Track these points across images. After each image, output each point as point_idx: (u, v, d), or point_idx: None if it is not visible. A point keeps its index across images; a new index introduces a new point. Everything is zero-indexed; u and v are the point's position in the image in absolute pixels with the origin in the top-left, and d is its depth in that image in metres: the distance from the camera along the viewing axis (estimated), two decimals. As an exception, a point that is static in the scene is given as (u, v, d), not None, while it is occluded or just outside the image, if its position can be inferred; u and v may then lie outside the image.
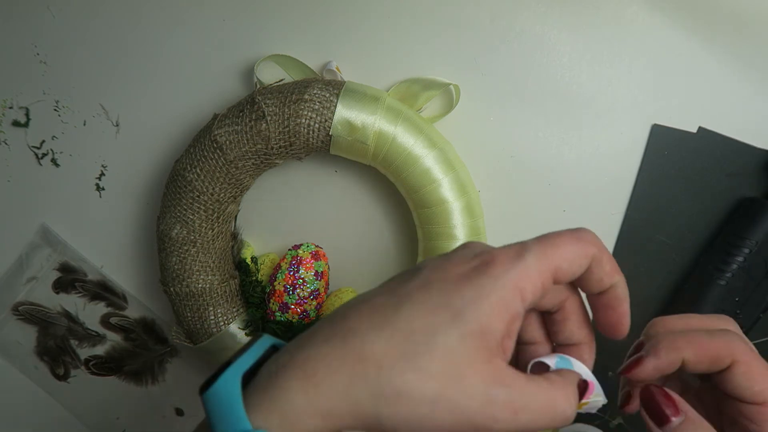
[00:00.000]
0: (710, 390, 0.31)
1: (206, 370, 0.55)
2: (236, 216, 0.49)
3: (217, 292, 0.48)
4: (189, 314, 0.48)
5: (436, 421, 0.24)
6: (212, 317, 0.47)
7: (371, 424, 0.24)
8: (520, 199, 0.49)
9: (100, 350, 0.55)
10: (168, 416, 0.56)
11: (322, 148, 0.44)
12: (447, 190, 0.45)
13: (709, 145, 0.47)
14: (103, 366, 0.55)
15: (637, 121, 0.48)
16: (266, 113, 0.43)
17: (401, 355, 0.24)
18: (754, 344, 0.49)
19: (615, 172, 0.48)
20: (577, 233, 0.27)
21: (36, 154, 0.52)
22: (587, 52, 0.47)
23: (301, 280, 0.47)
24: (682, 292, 0.48)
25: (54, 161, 0.52)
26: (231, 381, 0.25)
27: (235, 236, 0.50)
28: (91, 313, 0.55)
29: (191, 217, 0.45)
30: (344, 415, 0.24)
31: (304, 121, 0.43)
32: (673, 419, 0.28)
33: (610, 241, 0.49)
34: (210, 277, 0.47)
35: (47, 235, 0.53)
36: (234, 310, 0.48)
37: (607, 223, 0.49)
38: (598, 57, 0.47)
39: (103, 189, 0.53)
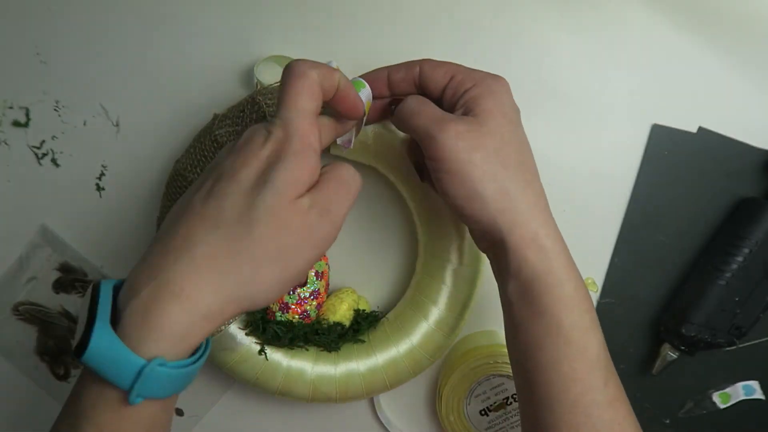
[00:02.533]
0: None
1: (206, 370, 0.55)
2: None
3: None
4: None
5: (286, 281, 0.31)
6: None
7: (246, 306, 0.30)
8: (520, 199, 0.49)
9: (100, 350, 0.55)
10: (168, 416, 0.56)
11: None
12: None
13: (709, 145, 0.47)
14: (103, 366, 0.55)
15: (637, 121, 0.48)
16: (267, 114, 0.43)
17: (238, 238, 0.29)
18: (755, 344, 0.49)
19: (615, 172, 0.48)
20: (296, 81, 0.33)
21: (36, 154, 0.52)
22: (587, 51, 0.47)
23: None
24: (682, 291, 0.48)
25: (54, 161, 0.52)
26: (104, 334, 0.28)
27: None
28: (91, 313, 0.55)
29: None
30: (222, 311, 0.30)
31: None
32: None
33: (610, 241, 0.49)
34: None
35: (47, 235, 0.53)
36: None
37: (607, 223, 0.49)
38: (598, 57, 0.47)
39: (103, 189, 0.53)
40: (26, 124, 0.52)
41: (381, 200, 0.50)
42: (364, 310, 0.51)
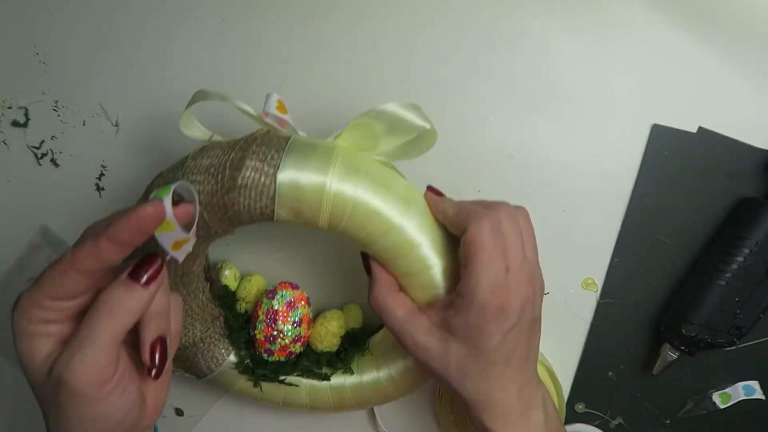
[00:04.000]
0: None
1: (206, 370, 0.54)
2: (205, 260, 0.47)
3: (203, 342, 0.47)
4: (181, 363, 0.48)
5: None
6: (202, 363, 0.47)
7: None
8: (520, 199, 0.49)
9: (99, 350, 0.55)
10: (168, 416, 0.56)
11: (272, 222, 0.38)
12: (429, 250, 0.37)
13: (709, 145, 0.47)
14: (102, 366, 0.55)
15: (637, 121, 0.48)
16: (200, 201, 0.36)
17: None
18: (755, 344, 0.49)
19: (615, 172, 0.48)
20: (58, 260, 0.32)
21: (36, 154, 0.52)
22: (587, 51, 0.47)
23: (280, 333, 0.47)
24: (682, 292, 0.48)
25: (54, 161, 0.52)
26: None
27: (208, 269, 0.47)
28: (90, 313, 0.55)
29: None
30: None
31: (243, 208, 0.36)
32: None
33: (610, 241, 0.49)
34: (191, 333, 0.46)
35: (47, 236, 0.53)
36: (224, 352, 0.48)
37: (607, 223, 0.49)
38: (598, 57, 0.47)
39: (103, 189, 0.53)
40: (26, 124, 0.52)
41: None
42: (353, 329, 0.50)
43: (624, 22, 0.46)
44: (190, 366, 0.47)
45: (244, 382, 0.49)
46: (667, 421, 0.51)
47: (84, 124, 0.52)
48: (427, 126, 0.38)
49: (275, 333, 0.46)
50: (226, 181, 0.36)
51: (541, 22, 0.47)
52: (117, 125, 0.51)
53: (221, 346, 0.48)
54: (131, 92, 0.51)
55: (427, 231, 0.37)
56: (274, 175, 0.35)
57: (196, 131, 0.41)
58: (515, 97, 0.48)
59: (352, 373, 0.48)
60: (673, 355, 0.48)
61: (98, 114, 0.51)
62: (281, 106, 0.38)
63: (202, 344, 0.47)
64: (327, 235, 0.49)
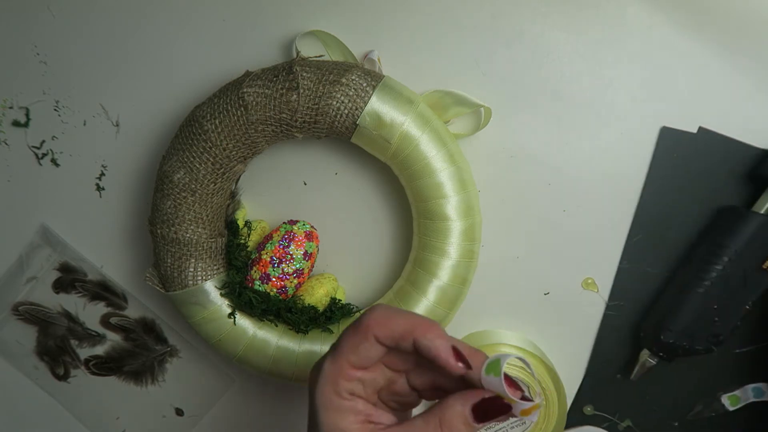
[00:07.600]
0: None
1: (205, 371, 0.54)
2: (240, 176, 0.49)
3: (203, 246, 0.47)
4: (169, 260, 0.47)
5: None
6: (191, 269, 0.47)
7: None
8: (520, 199, 0.49)
9: (100, 350, 0.55)
10: (168, 416, 0.56)
11: (345, 134, 0.44)
12: (453, 209, 0.45)
13: (708, 145, 0.46)
14: (103, 366, 0.55)
15: (636, 121, 0.47)
16: (300, 85, 0.43)
17: None
18: (763, 346, 0.48)
19: (614, 172, 0.48)
20: (353, 325, 0.33)
21: (36, 154, 0.53)
22: (588, 52, 0.47)
23: (289, 256, 0.47)
24: (662, 298, 0.48)
25: (54, 161, 0.53)
26: None
27: (233, 195, 0.49)
28: (91, 313, 0.55)
29: (198, 166, 0.45)
30: None
31: (335, 103, 0.43)
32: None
33: (618, 244, 0.49)
34: (200, 230, 0.47)
35: (47, 235, 0.54)
36: (214, 267, 0.48)
37: (615, 226, 0.48)
38: (598, 57, 0.47)
39: (103, 189, 0.53)
40: (26, 124, 0.52)
41: (388, 200, 0.50)
42: (339, 300, 0.50)
43: (625, 22, 0.46)
44: (177, 268, 0.47)
45: (216, 310, 0.48)
46: (676, 423, 0.51)
47: (84, 124, 0.52)
48: (484, 104, 0.47)
49: (285, 255, 0.47)
50: (332, 76, 0.43)
51: (541, 22, 0.46)
52: (117, 125, 0.52)
53: (215, 261, 0.48)
54: (131, 92, 0.51)
55: (461, 191, 0.45)
56: (373, 87, 0.43)
57: (305, 51, 0.47)
58: (516, 97, 0.48)
59: (330, 333, 0.48)
60: (652, 361, 0.48)
61: (98, 114, 0.52)
62: (379, 61, 0.47)
63: (201, 248, 0.47)
64: (337, 210, 0.51)
